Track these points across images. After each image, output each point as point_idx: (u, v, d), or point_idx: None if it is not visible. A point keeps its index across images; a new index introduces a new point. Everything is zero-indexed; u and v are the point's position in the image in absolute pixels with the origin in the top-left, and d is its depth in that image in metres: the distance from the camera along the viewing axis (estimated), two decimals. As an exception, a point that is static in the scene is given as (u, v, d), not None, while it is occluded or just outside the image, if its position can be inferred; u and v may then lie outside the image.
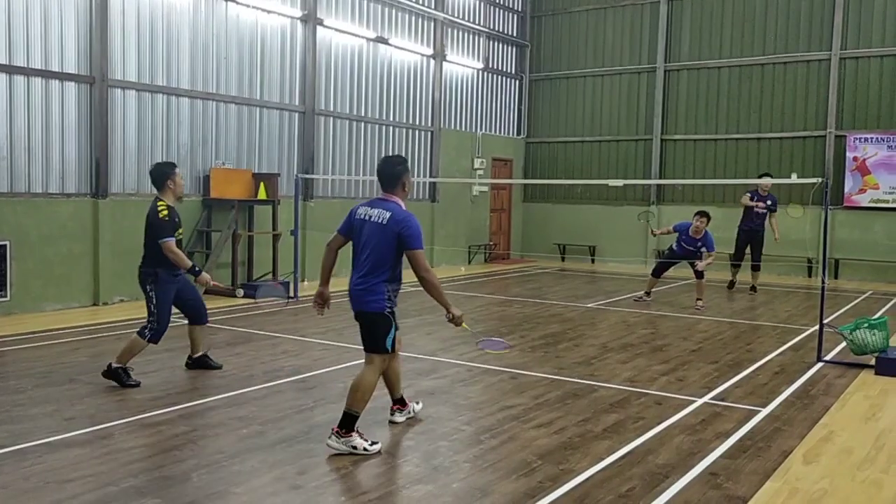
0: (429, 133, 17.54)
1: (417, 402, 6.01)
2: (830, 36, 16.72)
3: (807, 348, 8.82)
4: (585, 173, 19.47)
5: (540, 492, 4.47)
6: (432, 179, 17.07)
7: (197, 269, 6.86)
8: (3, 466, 4.70)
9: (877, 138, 16.20)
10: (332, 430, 5.09)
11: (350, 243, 5.36)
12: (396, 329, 5.27)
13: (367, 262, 5.14)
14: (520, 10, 20.28)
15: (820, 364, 8.03)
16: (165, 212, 6.66)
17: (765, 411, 6.26)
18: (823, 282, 8.43)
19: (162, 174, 6.83)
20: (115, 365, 6.63)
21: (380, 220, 5.12)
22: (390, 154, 16.19)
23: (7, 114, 10.06)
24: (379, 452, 5.06)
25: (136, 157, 11.58)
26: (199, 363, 7.26)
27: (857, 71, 16.57)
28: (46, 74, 10.44)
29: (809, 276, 16.59)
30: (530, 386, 6.94)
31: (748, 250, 14.04)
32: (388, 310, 5.18)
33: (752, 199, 13.84)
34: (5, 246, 10.02)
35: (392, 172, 5.26)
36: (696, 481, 4.71)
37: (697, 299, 11.96)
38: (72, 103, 10.77)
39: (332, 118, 14.99)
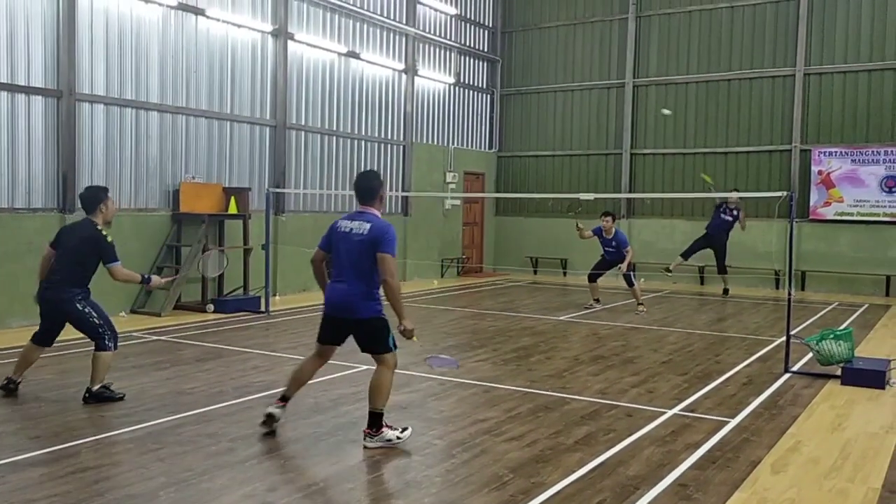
0: (401, 147, 17.57)
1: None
2: (795, 52, 17.05)
3: (774, 359, 8.94)
4: (556, 187, 19.59)
5: (511, 505, 4.48)
6: (405, 193, 17.09)
7: (147, 277, 6.87)
8: (-35, 487, 4.60)
9: (841, 152, 16.52)
10: (364, 431, 5.51)
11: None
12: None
13: (352, 272, 5.48)
14: (491, 25, 20.43)
15: (787, 375, 8.13)
16: (110, 237, 6.61)
17: (733, 422, 6.33)
18: (790, 293, 8.55)
19: (95, 198, 6.68)
20: (95, 388, 6.49)
21: (361, 232, 5.48)
22: (365, 169, 16.28)
23: (-28, 128, 9.92)
24: (409, 436, 5.58)
25: (104, 172, 11.45)
26: (14, 388, 6.80)
27: (821, 86, 16.89)
28: (12, 88, 10.31)
29: (777, 287, 16.81)
30: (502, 399, 6.95)
31: (714, 259, 15.41)
32: (383, 312, 5.57)
33: (721, 209, 15.16)
34: (-31, 262, 9.85)
35: (370, 186, 5.65)
36: (666, 493, 4.74)
37: (638, 304, 12.84)
38: (38, 117, 10.64)
39: (303, 132, 14.96)
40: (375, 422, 5.47)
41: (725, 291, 15.43)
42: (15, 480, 4.73)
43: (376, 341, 5.56)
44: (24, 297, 10.39)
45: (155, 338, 9.61)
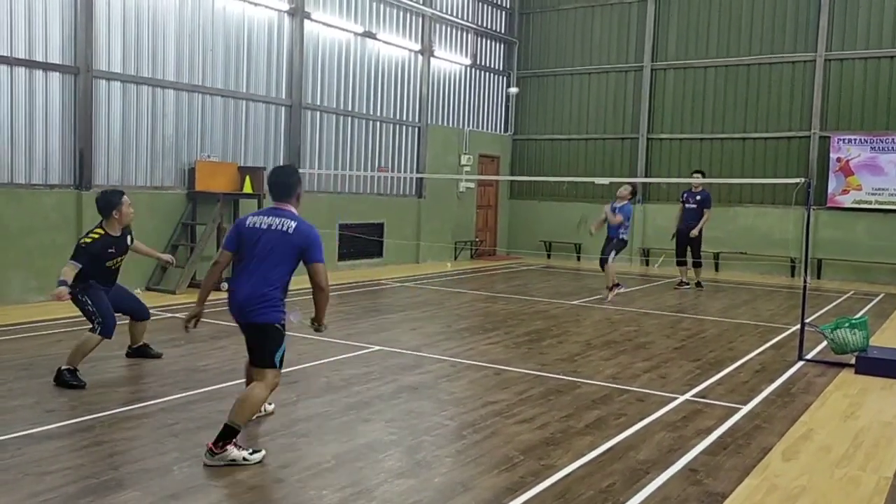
0: (416, 129, 17.53)
1: (270, 403, 5.67)
2: (816, 37, 16.84)
3: (788, 347, 8.89)
4: (572, 171, 19.50)
5: (521, 487, 4.49)
6: (419, 175, 17.06)
7: (62, 280, 6.46)
8: (-18, 458, 4.67)
9: (860, 139, 16.33)
10: (207, 446, 4.68)
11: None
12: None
13: (262, 271, 4.89)
14: (508, 6, 20.28)
15: (801, 363, 8.09)
16: (89, 240, 6.65)
17: (745, 409, 6.31)
18: (805, 281, 8.50)
19: (108, 204, 6.72)
20: (63, 367, 6.44)
21: (285, 230, 4.91)
22: (378, 149, 16.26)
23: (-10, 103, 9.98)
24: (260, 462, 4.72)
25: (120, 149, 11.50)
26: (139, 352, 7.37)
27: (842, 72, 16.69)
28: (30, 64, 10.34)
29: (792, 275, 16.71)
30: (514, 382, 6.96)
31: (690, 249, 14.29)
32: (282, 322, 4.95)
33: (683, 198, 14.46)
34: (-13, 237, 9.93)
35: (287, 182, 5.10)
36: (676, 477, 4.75)
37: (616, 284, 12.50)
38: (56, 94, 10.68)
39: (318, 112, 14.95)
40: (225, 436, 4.64)
41: (698, 285, 14.21)
42: (31, 453, 4.78)
43: (265, 352, 4.90)
44: (41, 273, 10.50)
45: (169, 315, 9.68)
